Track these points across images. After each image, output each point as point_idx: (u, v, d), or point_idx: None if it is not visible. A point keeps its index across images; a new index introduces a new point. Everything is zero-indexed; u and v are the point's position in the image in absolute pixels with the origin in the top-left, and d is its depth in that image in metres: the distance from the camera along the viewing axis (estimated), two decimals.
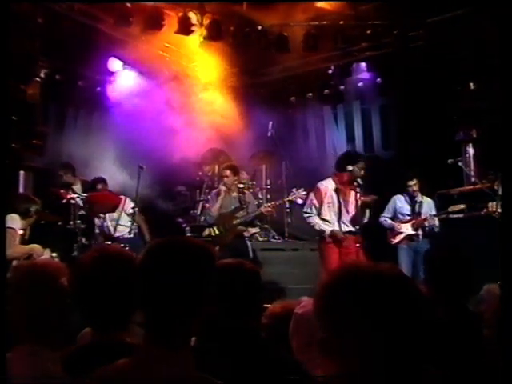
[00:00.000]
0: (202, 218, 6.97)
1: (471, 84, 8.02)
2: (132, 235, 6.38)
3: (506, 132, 2.56)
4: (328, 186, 5.73)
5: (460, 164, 6.30)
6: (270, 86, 9.78)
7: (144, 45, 8.51)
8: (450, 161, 6.32)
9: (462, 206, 6.45)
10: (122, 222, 6.61)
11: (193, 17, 7.02)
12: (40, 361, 1.66)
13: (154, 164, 7.59)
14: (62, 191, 6.14)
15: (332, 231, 5.55)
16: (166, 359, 1.34)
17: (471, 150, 7.99)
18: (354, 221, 5.56)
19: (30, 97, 6.61)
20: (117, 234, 6.56)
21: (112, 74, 9.09)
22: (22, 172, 6.95)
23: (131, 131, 9.00)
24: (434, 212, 6.80)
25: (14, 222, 5.09)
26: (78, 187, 7.30)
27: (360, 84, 9.22)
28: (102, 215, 6.70)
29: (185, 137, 8.41)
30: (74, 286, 1.76)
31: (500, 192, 6.51)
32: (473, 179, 6.50)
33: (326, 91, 9.45)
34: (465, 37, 7.79)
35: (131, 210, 6.37)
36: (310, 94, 9.60)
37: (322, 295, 1.23)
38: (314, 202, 5.74)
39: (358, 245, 5.35)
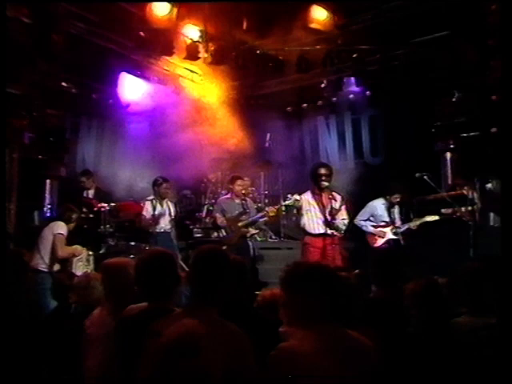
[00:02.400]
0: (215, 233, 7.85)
1: (450, 99, 8.81)
2: None
3: (505, 136, 2.93)
4: (305, 196, 6.65)
5: (425, 178, 7.04)
6: (269, 97, 10.55)
7: (153, 61, 9.38)
8: (417, 174, 7.09)
9: (437, 217, 7.23)
10: None
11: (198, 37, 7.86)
12: (114, 317, 2.84)
13: (163, 172, 8.45)
14: (93, 201, 7.09)
15: None
16: (203, 311, 2.34)
17: (448, 159, 8.83)
18: (329, 225, 6.37)
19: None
20: None
21: (123, 87, 9.88)
22: (48, 181, 7.82)
23: (141, 141, 9.87)
24: (399, 217, 7.56)
25: (62, 228, 6.08)
26: (91, 191, 8.18)
27: (351, 96, 10.07)
28: None
29: (190, 146, 9.23)
30: (136, 273, 2.80)
31: (470, 197, 7.37)
32: (440, 190, 7.26)
33: (320, 102, 10.34)
34: (444, 56, 8.59)
35: None
36: (305, 105, 10.52)
37: (283, 277, 2.25)
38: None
39: (333, 246, 6.25)
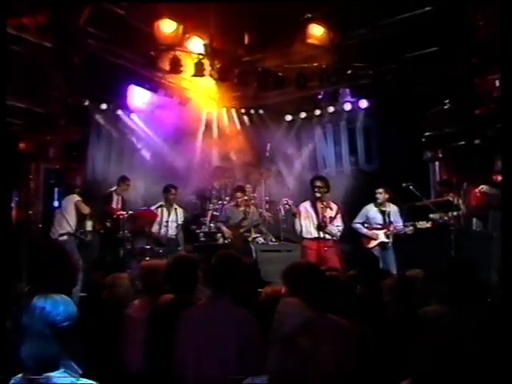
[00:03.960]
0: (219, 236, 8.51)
1: (439, 109, 9.37)
2: None
3: (505, 140, 3.21)
4: (304, 203, 7.41)
5: (411, 188, 7.60)
6: (269, 107, 11.25)
7: (160, 75, 9.95)
8: (403, 185, 7.64)
9: (428, 225, 7.76)
10: None
11: (206, 62, 8.51)
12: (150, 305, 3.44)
13: (170, 179, 9.01)
14: (113, 209, 7.76)
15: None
16: (222, 300, 2.98)
17: (437, 167, 9.41)
18: (322, 229, 7.13)
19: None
20: None
21: (131, 99, 10.42)
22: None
23: (149, 151, 10.42)
24: (399, 217, 8.05)
25: (77, 197, 7.70)
26: (120, 198, 8.56)
27: (346, 107, 10.70)
28: None
29: (195, 155, 9.83)
30: (166, 273, 3.43)
31: (455, 203, 7.92)
32: (424, 199, 7.80)
33: (317, 113, 10.94)
34: (433, 71, 9.15)
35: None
36: (304, 115, 11.11)
37: (283, 273, 2.85)
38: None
39: (325, 248, 7.04)
